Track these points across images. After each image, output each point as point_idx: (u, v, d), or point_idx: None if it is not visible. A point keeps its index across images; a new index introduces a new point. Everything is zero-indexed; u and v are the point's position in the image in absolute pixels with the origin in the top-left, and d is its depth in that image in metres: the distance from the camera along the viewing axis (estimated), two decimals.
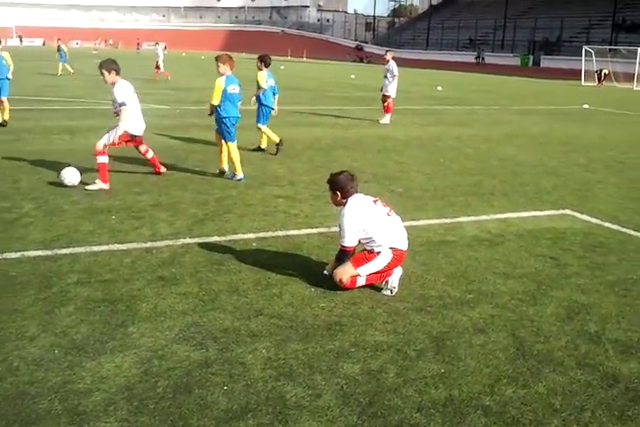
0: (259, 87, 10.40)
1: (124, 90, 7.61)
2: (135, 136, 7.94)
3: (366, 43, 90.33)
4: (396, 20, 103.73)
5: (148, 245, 5.67)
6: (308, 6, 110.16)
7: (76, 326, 4.06)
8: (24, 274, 4.88)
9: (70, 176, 7.56)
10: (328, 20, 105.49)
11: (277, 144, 10.55)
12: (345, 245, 4.79)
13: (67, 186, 7.52)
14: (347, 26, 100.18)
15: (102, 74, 7.62)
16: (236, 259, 5.39)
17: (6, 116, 12.78)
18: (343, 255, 4.84)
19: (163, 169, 8.49)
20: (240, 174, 8.46)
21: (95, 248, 5.52)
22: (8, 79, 12.83)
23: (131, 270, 5.03)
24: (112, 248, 5.54)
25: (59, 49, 29.94)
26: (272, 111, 10.74)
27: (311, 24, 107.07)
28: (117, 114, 7.69)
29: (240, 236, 6.06)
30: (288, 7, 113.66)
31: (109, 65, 7.57)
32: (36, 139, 11.15)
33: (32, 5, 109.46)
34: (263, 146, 10.85)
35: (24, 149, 10.04)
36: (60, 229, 6.02)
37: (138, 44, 73.22)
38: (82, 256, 5.31)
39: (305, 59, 68.77)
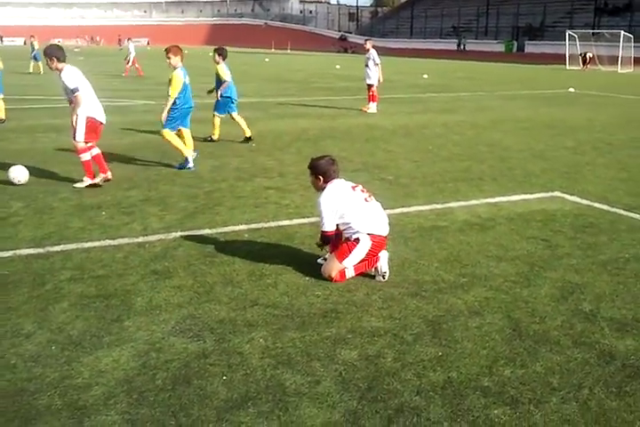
0: (223, 80, 10.51)
1: (72, 75, 7.16)
2: (101, 123, 7.53)
3: (350, 33, 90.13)
4: (379, 9, 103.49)
5: (140, 239, 5.65)
6: None
7: (71, 322, 4.05)
8: (16, 272, 4.84)
9: (19, 175, 7.40)
10: (311, 12, 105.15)
11: (210, 138, 10.87)
12: (324, 229, 4.80)
13: (17, 185, 7.39)
14: (330, 17, 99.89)
15: (47, 62, 7.28)
16: (229, 251, 5.38)
17: (2, 115, 12.87)
18: (324, 239, 4.88)
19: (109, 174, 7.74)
20: (189, 154, 8.61)
21: (87, 245, 5.49)
22: None
23: (123, 265, 5.01)
24: (104, 244, 5.51)
25: (32, 47, 29.24)
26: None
27: (294, 16, 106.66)
28: (72, 102, 7.26)
29: (232, 228, 6.05)
30: (270, 0, 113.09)
31: (52, 51, 7.12)
32: (20, 138, 11.06)
33: (11, 4, 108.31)
34: (215, 137, 10.96)
35: (9, 148, 9.96)
36: (51, 226, 5.98)
37: (119, 40, 72.69)
38: (74, 253, 5.28)
39: (289, 51, 68.51)
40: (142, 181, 7.87)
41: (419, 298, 4.47)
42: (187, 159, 8.58)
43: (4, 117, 12.90)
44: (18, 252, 5.29)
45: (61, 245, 5.45)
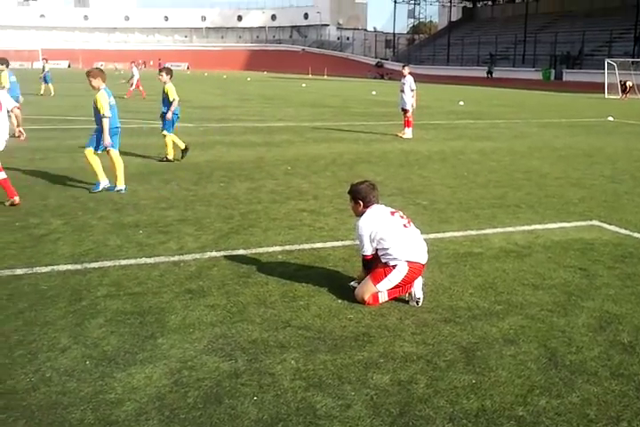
0: (172, 99, 10.69)
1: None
2: None
3: (387, 60, 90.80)
4: (416, 36, 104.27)
5: (176, 258, 5.72)
6: (327, 25, 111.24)
7: (106, 337, 4.10)
8: (54, 287, 4.94)
9: None
10: (348, 38, 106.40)
11: (183, 150, 10.98)
12: (364, 253, 4.86)
13: None
14: (367, 43, 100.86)
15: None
16: (263, 271, 5.41)
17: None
18: (365, 264, 4.94)
19: (16, 198, 7.50)
20: (121, 186, 8.45)
21: (123, 262, 5.58)
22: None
23: (159, 283, 5.07)
24: (140, 262, 5.60)
25: (43, 70, 29.63)
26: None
27: (331, 42, 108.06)
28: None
29: (266, 249, 6.08)
30: (308, 26, 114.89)
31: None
32: (61, 157, 11.34)
33: (57, 28, 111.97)
34: (170, 156, 11.01)
35: (51, 167, 10.22)
36: (89, 243, 6.10)
37: (159, 64, 74.46)
38: (110, 270, 5.37)
39: (326, 76, 69.28)
40: (179, 201, 7.98)
41: (452, 324, 4.42)
42: (98, 183, 8.43)
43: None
44: (56, 268, 5.39)
45: (99, 262, 5.55)
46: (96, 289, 4.91)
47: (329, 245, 6.27)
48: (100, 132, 8.28)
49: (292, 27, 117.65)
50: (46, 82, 28.56)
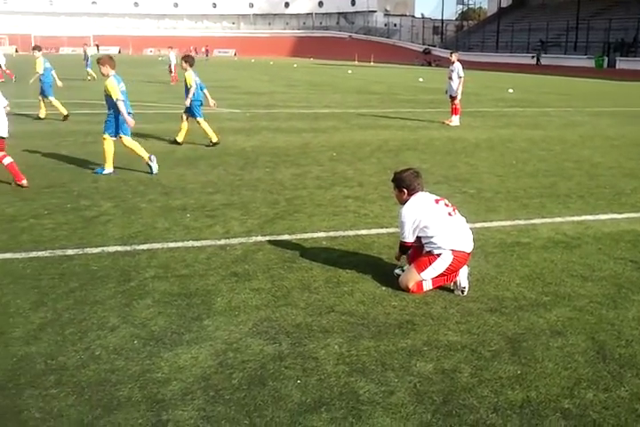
0: (189, 86, 10.89)
1: None
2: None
3: (434, 46, 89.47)
4: (465, 23, 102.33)
5: (222, 242, 5.78)
6: (375, 11, 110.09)
7: (153, 318, 4.18)
8: (104, 268, 5.06)
9: None
10: (395, 25, 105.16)
11: (214, 143, 11.15)
12: (404, 240, 4.82)
13: None
14: (414, 30, 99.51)
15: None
16: (307, 257, 5.43)
17: (42, 114, 14.65)
18: (403, 250, 4.92)
19: (24, 181, 7.73)
20: (109, 169, 8.65)
21: (171, 244, 5.67)
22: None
23: (205, 266, 5.15)
24: (187, 245, 5.68)
25: (85, 56, 31.06)
26: (210, 103, 11.51)
27: (378, 29, 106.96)
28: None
29: (310, 235, 6.10)
30: (355, 12, 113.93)
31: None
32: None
33: (108, 15, 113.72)
34: (214, 139, 11.18)
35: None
36: (138, 226, 6.22)
37: (206, 50, 74.90)
38: (159, 252, 5.47)
39: (372, 63, 68.70)
40: (226, 186, 8.06)
41: (498, 314, 4.36)
42: (103, 168, 8.68)
43: (66, 113, 14.62)
44: (106, 249, 5.52)
45: (147, 244, 5.66)
46: (144, 270, 5.01)
47: (374, 232, 6.25)
48: (113, 117, 8.51)
49: (339, 13, 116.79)
50: (88, 67, 29.64)
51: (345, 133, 13.29)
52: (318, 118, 15.95)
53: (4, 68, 27.54)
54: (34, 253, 5.36)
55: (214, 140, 11.16)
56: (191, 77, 10.92)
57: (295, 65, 57.92)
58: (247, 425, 3.05)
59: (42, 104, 14.73)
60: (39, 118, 14.59)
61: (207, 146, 11.18)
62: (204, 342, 3.87)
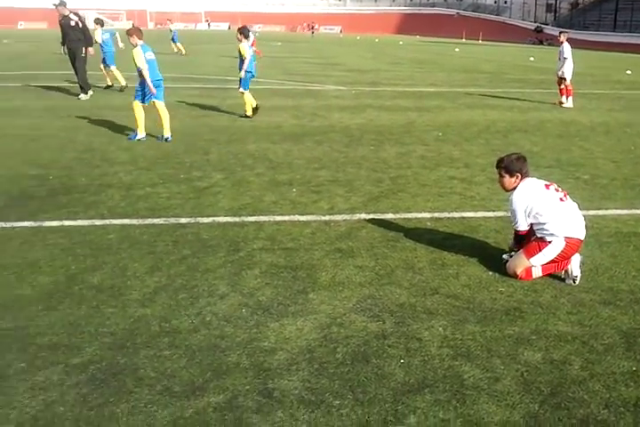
0: (244, 58, 11.17)
1: None
2: None
3: (547, 24, 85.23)
4: (580, 0, 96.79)
5: (327, 218, 5.83)
6: None
7: (261, 288, 4.29)
8: (214, 238, 5.23)
9: None
10: (505, 2, 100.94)
11: (254, 108, 11.52)
12: (518, 229, 4.64)
13: None
14: (526, 7, 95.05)
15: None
16: (411, 237, 5.38)
17: (123, 82, 15.32)
18: (518, 239, 4.74)
19: None
20: (167, 134, 9.19)
21: (278, 218, 5.78)
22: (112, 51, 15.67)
23: (310, 241, 5.21)
24: (293, 219, 5.77)
25: (170, 30, 32.16)
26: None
27: (487, 6, 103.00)
28: None
29: (414, 214, 6.03)
30: None
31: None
32: (222, 116, 11.85)
33: None
34: (249, 113, 11.48)
35: (213, 125, 10.73)
36: (247, 198, 6.38)
37: (312, 27, 74.93)
38: (266, 225, 5.59)
39: (480, 41, 66.52)
40: (331, 162, 8.10)
41: (612, 307, 4.16)
42: (136, 133, 9.26)
43: (124, 84, 15.23)
44: (217, 219, 5.70)
45: (255, 217, 5.79)
46: (252, 242, 5.14)
47: (480, 215, 6.09)
48: (142, 84, 9.06)
49: None
50: (174, 41, 30.82)
51: (451, 113, 12.98)
52: (423, 97, 15.66)
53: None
54: (149, 220, 5.62)
55: (249, 113, 11.51)
56: (245, 49, 11.23)
57: (401, 42, 57.00)
58: (351, 400, 3.09)
59: (105, 73, 15.67)
60: (108, 87, 15.58)
61: (241, 116, 11.52)
62: (308, 314, 3.93)
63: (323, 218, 5.82)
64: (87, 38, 13.70)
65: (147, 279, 4.39)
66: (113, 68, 15.50)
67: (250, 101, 11.49)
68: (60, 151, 8.39)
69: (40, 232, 5.29)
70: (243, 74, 11.21)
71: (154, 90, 8.96)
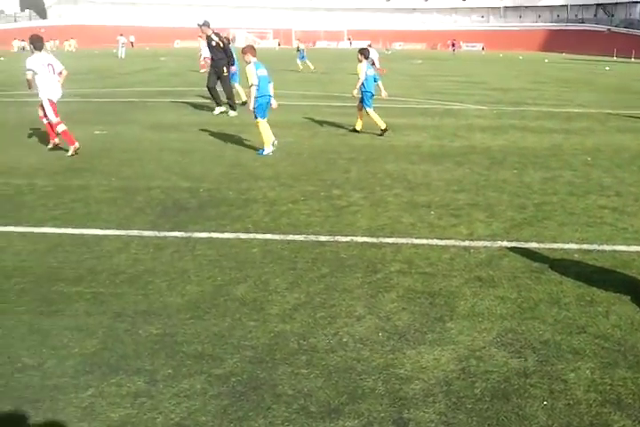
0: (359, 78, 11.53)
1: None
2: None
3: None
4: None
5: (466, 243, 5.70)
6: (638, 2, 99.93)
7: (397, 312, 4.26)
8: (352, 257, 5.27)
9: None
10: None
11: (383, 130, 11.59)
12: None
13: None
14: None
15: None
16: (557, 269, 5.12)
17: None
18: None
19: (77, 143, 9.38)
20: (268, 148, 9.65)
21: (416, 241, 5.73)
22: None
23: (449, 266, 5.11)
24: (431, 242, 5.69)
25: (298, 49, 33.74)
26: (383, 94, 12.04)
27: None
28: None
29: (560, 245, 5.74)
30: (616, 4, 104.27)
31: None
32: (361, 134, 11.91)
33: (362, 10, 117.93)
34: (383, 126, 11.58)
35: (353, 143, 10.88)
36: (385, 219, 6.38)
37: (453, 44, 74.03)
38: (403, 247, 5.56)
39: (633, 59, 62.63)
40: (471, 185, 7.93)
41: None
42: (263, 150, 9.70)
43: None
44: (355, 238, 5.75)
45: (393, 238, 5.78)
46: (390, 264, 5.13)
47: (633, 249, 5.69)
48: (258, 101, 9.48)
49: (597, 4, 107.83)
50: (302, 59, 32.53)
51: (600, 136, 12.29)
52: (570, 118, 14.95)
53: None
54: (290, 237, 5.77)
55: (382, 127, 11.58)
56: (362, 69, 11.50)
57: (546, 60, 54.95)
58: None
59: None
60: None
61: (379, 135, 11.57)
62: (446, 344, 3.85)
63: (462, 243, 5.69)
64: (229, 57, 14.42)
65: (287, 295, 4.50)
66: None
67: (377, 118, 11.72)
68: (210, 165, 8.86)
69: (190, 243, 5.60)
70: (355, 93, 11.61)
71: (251, 105, 9.42)
